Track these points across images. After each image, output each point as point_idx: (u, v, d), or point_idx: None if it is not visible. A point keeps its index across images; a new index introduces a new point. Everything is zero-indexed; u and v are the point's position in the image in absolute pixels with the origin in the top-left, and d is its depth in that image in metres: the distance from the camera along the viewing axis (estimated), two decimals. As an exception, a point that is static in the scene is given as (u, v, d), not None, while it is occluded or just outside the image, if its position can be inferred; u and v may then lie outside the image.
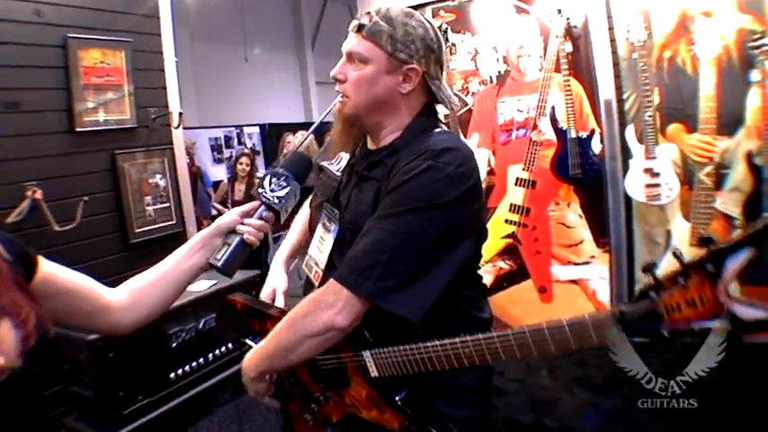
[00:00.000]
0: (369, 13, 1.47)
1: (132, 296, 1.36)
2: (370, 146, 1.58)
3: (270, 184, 1.45)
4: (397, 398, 1.42)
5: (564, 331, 1.16)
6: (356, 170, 1.57)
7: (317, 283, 1.53)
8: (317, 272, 1.55)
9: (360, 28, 1.45)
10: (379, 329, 1.42)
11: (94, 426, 2.17)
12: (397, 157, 1.45)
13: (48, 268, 1.22)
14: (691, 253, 1.05)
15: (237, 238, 1.41)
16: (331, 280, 1.37)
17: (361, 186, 1.52)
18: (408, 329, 1.37)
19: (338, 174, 1.65)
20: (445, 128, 1.58)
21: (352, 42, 1.47)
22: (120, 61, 2.79)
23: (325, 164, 1.72)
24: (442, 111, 3.53)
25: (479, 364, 1.30)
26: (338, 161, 1.69)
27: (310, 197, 1.86)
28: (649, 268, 1.12)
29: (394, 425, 1.43)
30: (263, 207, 1.45)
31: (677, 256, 1.09)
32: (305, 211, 1.91)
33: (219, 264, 1.39)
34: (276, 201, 1.43)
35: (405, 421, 1.41)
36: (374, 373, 1.42)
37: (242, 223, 1.43)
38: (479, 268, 1.60)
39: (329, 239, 1.53)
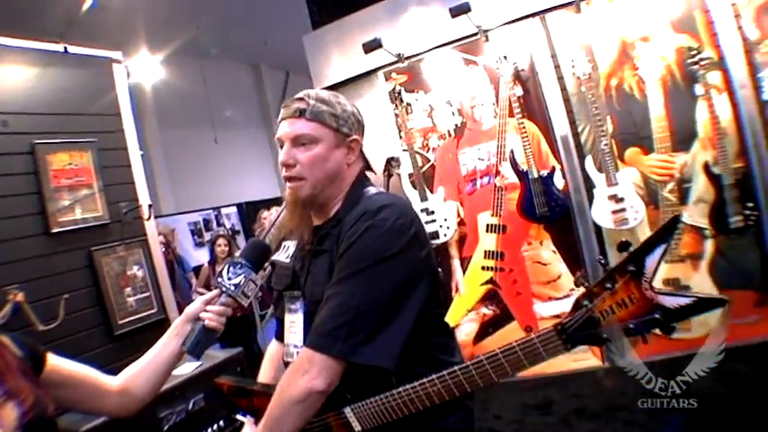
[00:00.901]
0: (300, 98, 1.60)
1: (127, 382, 1.55)
2: (317, 222, 1.68)
3: (227, 272, 1.59)
4: None
5: (515, 353, 1.29)
6: (308, 249, 1.67)
7: None
8: (298, 353, 1.63)
9: (302, 112, 1.57)
10: (356, 387, 1.50)
11: None
12: (341, 226, 1.57)
13: (55, 361, 1.43)
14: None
15: (200, 325, 1.56)
16: (303, 348, 1.48)
17: (314, 261, 1.63)
18: (384, 382, 1.47)
19: (287, 261, 1.75)
20: (376, 187, 1.70)
21: (297, 126, 1.58)
22: (87, 161, 2.92)
23: (273, 258, 1.81)
24: (405, 171, 3.70)
25: (448, 399, 1.39)
26: (285, 249, 1.80)
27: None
28: (581, 280, 1.27)
29: None
30: (223, 294, 1.58)
31: (602, 263, 1.24)
32: (271, 352, 1.94)
33: (185, 349, 1.55)
34: (232, 288, 1.57)
35: None
36: (358, 427, 1.50)
37: (205, 310, 1.57)
38: (444, 314, 1.71)
39: (299, 319, 1.64)
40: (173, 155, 9.73)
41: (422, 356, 1.54)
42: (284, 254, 1.78)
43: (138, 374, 1.57)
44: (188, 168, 10.18)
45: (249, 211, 10.34)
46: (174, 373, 2.47)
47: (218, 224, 10.42)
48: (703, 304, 1.14)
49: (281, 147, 1.62)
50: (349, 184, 1.65)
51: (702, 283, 3.19)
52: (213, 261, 6.43)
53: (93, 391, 1.50)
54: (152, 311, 3.12)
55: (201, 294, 5.81)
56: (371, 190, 1.66)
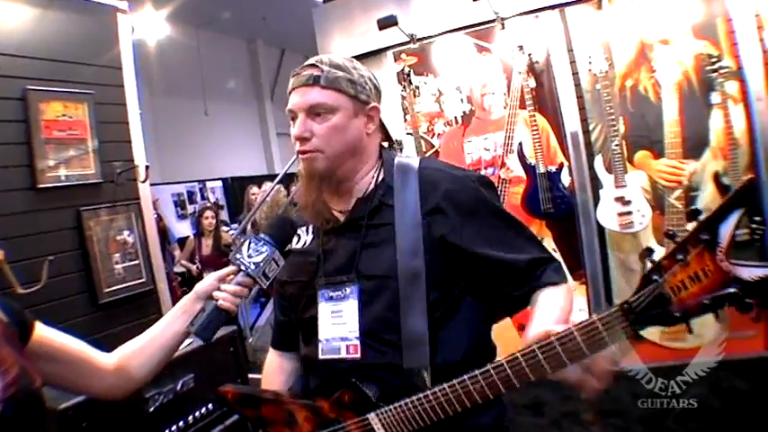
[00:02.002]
0: (314, 65, 1.39)
1: (122, 361, 1.35)
2: (340, 203, 1.48)
3: (248, 249, 1.37)
4: None
5: (574, 338, 1.07)
6: (351, 226, 1.45)
7: (357, 355, 1.39)
8: (348, 346, 1.41)
9: (316, 80, 1.37)
10: (385, 388, 1.32)
11: (67, 503, 1.96)
12: (401, 195, 1.41)
13: (43, 332, 1.25)
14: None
15: (212, 305, 1.34)
16: (554, 289, 1.34)
17: (367, 237, 1.42)
18: (416, 385, 1.29)
19: (307, 247, 1.53)
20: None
21: (311, 95, 1.37)
22: (82, 114, 2.62)
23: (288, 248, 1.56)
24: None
25: (492, 398, 1.19)
26: (297, 240, 1.56)
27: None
28: (646, 253, 1.09)
29: None
30: (240, 272, 1.37)
31: (670, 235, 1.05)
32: (274, 365, 1.70)
33: (194, 330, 1.33)
34: (252, 266, 1.35)
35: None
36: None
37: (219, 288, 1.36)
38: None
39: (351, 306, 1.41)
40: (161, 122, 9.38)
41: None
42: (298, 243, 1.56)
43: (136, 353, 1.36)
44: (175, 138, 9.86)
45: (234, 187, 10.12)
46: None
47: (203, 197, 10.22)
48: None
49: (293, 120, 1.41)
50: (372, 156, 1.48)
51: (702, 293, 3.08)
52: (199, 234, 6.14)
53: (85, 368, 1.29)
54: (140, 281, 2.82)
55: (186, 268, 5.57)
56: (405, 157, 1.53)
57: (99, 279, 2.65)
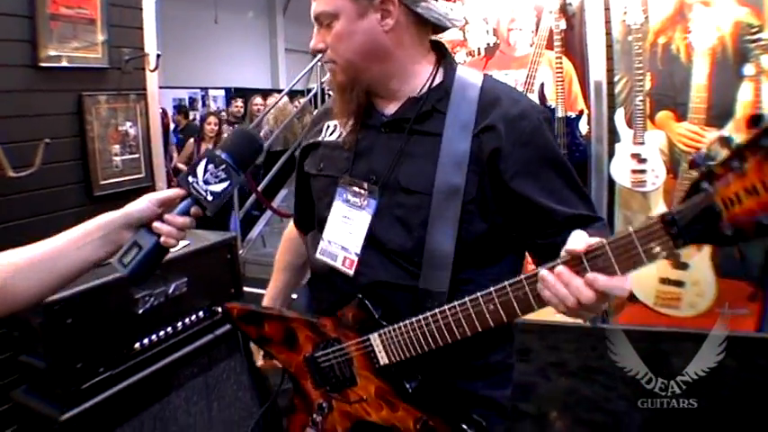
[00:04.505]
0: None
1: (4, 275, 1.01)
2: (388, 104, 1.28)
3: (204, 171, 1.08)
4: (408, 386, 1.17)
5: (605, 254, 0.88)
6: (395, 126, 1.25)
7: (351, 271, 1.22)
8: (346, 258, 1.25)
9: None
10: (389, 307, 1.19)
11: (47, 400, 1.79)
12: (456, 103, 1.20)
13: None
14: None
15: (152, 241, 1.05)
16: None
17: (410, 143, 1.22)
18: (424, 302, 1.13)
19: (340, 140, 1.33)
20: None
21: (315, 5, 1.22)
22: (93, -8, 2.36)
23: (318, 140, 1.39)
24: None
25: (506, 322, 1.03)
26: (328, 131, 1.38)
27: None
28: (698, 160, 0.86)
29: (409, 423, 1.17)
30: (189, 200, 1.08)
31: (726, 139, 0.84)
32: (289, 236, 1.60)
33: (126, 272, 1.04)
34: (210, 197, 1.07)
35: (421, 415, 1.16)
36: (384, 360, 1.16)
37: (161, 218, 1.08)
38: None
39: (363, 217, 1.24)
40: (168, 27, 8.88)
41: None
42: (328, 135, 1.37)
43: (24, 270, 1.02)
44: (182, 43, 9.42)
45: (236, 98, 9.80)
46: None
47: (204, 105, 9.90)
48: None
49: None
50: (413, 54, 1.24)
51: (701, 264, 3.00)
52: (200, 138, 5.89)
53: None
54: (139, 176, 2.61)
55: (182, 171, 5.28)
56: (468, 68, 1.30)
57: (95, 169, 2.44)
